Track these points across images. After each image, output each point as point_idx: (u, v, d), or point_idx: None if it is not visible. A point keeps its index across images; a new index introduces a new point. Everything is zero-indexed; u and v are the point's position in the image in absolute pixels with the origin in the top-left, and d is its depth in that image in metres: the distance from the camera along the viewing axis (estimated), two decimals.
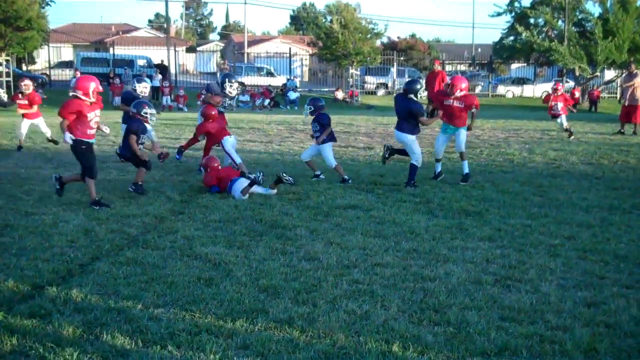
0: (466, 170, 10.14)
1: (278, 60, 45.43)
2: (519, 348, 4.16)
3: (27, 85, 14.06)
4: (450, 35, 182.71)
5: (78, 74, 29.09)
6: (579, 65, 36.39)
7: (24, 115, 13.92)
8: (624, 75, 22.13)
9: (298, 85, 39.01)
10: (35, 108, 13.97)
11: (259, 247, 6.44)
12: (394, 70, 43.70)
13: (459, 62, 53.70)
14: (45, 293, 5.05)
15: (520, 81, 46.16)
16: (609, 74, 41.45)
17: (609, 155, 13.11)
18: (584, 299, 5.05)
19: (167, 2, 42.73)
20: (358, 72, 41.49)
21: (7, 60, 33.28)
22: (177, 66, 42.78)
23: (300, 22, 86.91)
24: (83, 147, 8.11)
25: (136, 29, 64.49)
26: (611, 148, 14.19)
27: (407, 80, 10.89)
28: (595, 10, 38.98)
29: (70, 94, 8.35)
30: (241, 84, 36.96)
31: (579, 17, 41.06)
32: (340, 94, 38.27)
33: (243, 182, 8.96)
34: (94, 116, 8.19)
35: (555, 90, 16.34)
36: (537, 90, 43.61)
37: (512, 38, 47.03)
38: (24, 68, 43.80)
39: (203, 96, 10.95)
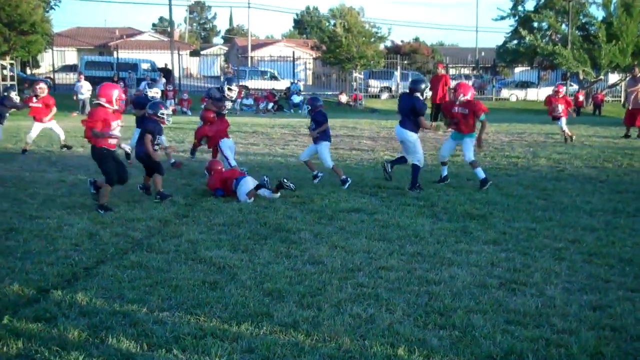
0: (481, 176, 9.85)
1: (282, 63, 45.50)
2: (525, 352, 4.15)
3: (42, 89, 14.20)
4: (454, 39, 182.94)
5: (82, 78, 29.30)
6: (583, 69, 36.40)
7: (35, 119, 13.97)
8: (628, 79, 22.11)
9: (302, 88, 39.04)
10: (54, 110, 14.16)
11: (264, 251, 6.44)
12: (397, 73, 43.77)
13: (463, 65, 53.69)
14: (50, 296, 5.05)
15: (524, 85, 46.16)
16: (613, 78, 41.45)
17: (613, 158, 13.09)
18: (589, 303, 5.03)
19: (170, 6, 42.72)
20: (362, 76, 41.54)
21: (11, 64, 33.39)
22: (180, 70, 42.85)
23: (303, 25, 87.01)
24: (104, 152, 8.19)
25: (140, 32, 64.71)
26: (615, 151, 14.16)
27: (412, 79, 10.85)
28: (599, 14, 39.09)
29: (94, 101, 8.47)
30: (245, 87, 37.11)
31: (583, 21, 41.11)
32: (343, 98, 38.31)
33: (249, 182, 8.96)
34: (117, 125, 8.31)
35: (556, 92, 16.33)
36: (540, 93, 43.55)
37: (515, 42, 47.08)
38: (28, 72, 43.95)
39: (205, 103, 11.35)
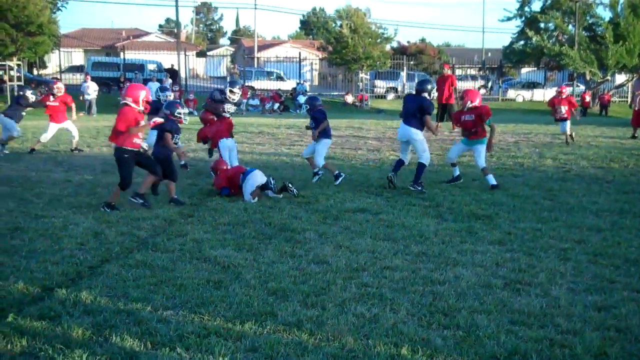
0: (492, 182, 9.80)
1: (288, 64, 45.55)
2: (529, 352, 4.14)
3: (60, 88, 14.34)
4: (460, 39, 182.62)
5: (89, 78, 29.41)
6: (590, 70, 36.29)
7: (50, 119, 14.01)
8: (634, 79, 22.04)
9: (308, 89, 39.07)
10: (74, 107, 14.36)
11: (268, 250, 6.44)
12: (403, 74, 43.75)
13: (469, 66, 53.60)
14: (55, 295, 5.07)
15: (530, 85, 46.03)
16: (620, 78, 41.31)
17: (619, 159, 13.04)
18: (594, 303, 5.01)
19: (177, 7, 42.91)
20: (368, 77, 41.53)
21: (18, 65, 33.51)
22: (187, 70, 42.93)
23: (310, 26, 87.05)
24: (125, 155, 8.21)
25: (147, 33, 64.88)
26: (622, 152, 14.12)
27: (419, 80, 10.80)
28: (606, 14, 38.96)
29: (121, 101, 8.57)
30: (251, 88, 37.18)
31: (590, 21, 41.00)
32: (350, 98, 38.33)
33: (257, 176, 8.96)
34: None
35: (559, 93, 16.28)
36: (547, 94, 43.43)
37: (522, 42, 46.98)
38: (35, 72, 44.10)
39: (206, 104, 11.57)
